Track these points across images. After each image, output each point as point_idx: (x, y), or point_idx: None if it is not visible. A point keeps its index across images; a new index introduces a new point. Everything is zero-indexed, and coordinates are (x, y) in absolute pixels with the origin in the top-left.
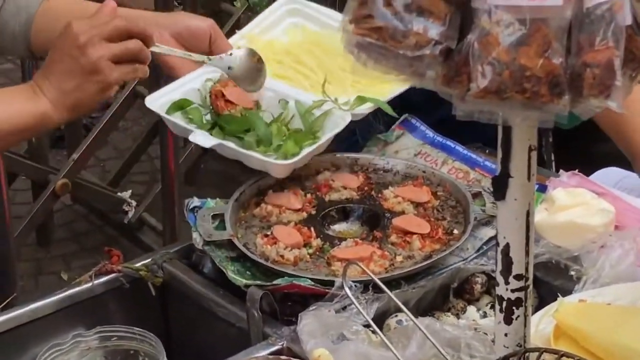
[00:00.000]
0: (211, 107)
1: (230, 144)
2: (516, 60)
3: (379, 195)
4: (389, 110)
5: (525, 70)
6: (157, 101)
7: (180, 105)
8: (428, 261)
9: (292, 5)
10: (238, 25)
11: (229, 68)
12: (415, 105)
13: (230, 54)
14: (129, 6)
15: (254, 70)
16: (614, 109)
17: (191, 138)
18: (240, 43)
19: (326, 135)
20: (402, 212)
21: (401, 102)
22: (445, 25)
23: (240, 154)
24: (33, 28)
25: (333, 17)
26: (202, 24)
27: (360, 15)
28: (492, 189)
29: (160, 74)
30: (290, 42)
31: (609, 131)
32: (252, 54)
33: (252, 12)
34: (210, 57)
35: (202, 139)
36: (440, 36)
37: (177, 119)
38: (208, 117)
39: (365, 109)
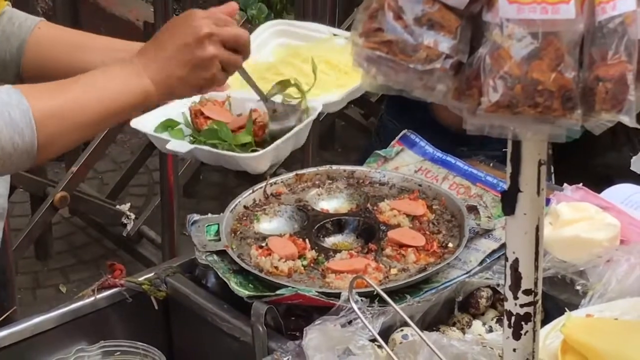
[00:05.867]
0: (192, 126)
1: (205, 147)
2: (528, 74)
3: (375, 208)
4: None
5: (537, 84)
6: (142, 122)
7: (166, 125)
8: (422, 274)
9: (276, 27)
10: None
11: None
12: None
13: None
14: (127, 17)
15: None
16: (626, 123)
17: (168, 146)
18: None
19: (301, 124)
20: (398, 225)
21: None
22: (456, 38)
23: (214, 155)
24: (25, 56)
25: (316, 29)
26: None
27: (370, 29)
28: (486, 204)
29: None
30: (275, 60)
31: None
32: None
33: (250, 24)
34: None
35: (178, 145)
36: (451, 50)
37: (150, 132)
38: (190, 134)
39: (336, 96)
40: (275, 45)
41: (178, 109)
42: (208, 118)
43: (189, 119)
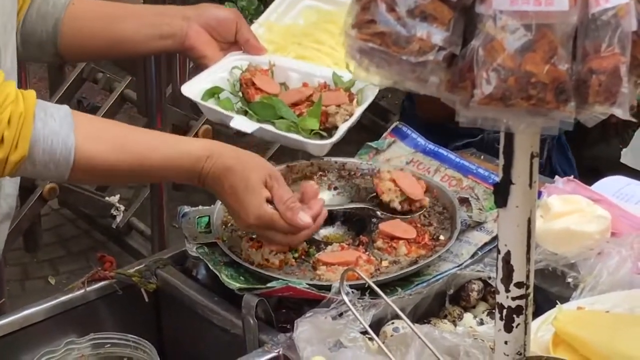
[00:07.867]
0: (241, 95)
1: (270, 128)
2: (522, 67)
3: (377, 173)
4: None
5: (530, 77)
6: (192, 89)
7: (213, 92)
8: (414, 266)
9: None
10: None
11: None
12: None
13: None
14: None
15: None
16: (619, 116)
17: (232, 124)
18: (259, 31)
19: (359, 109)
20: (388, 203)
21: None
22: (449, 30)
23: (280, 137)
24: (61, 33)
25: None
26: (229, 14)
27: (363, 21)
28: (478, 197)
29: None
30: (306, 24)
31: None
32: None
33: None
34: None
35: (244, 123)
36: (444, 42)
37: (214, 106)
38: (239, 105)
39: None
40: (303, 7)
41: (219, 74)
42: (259, 89)
43: (237, 87)
